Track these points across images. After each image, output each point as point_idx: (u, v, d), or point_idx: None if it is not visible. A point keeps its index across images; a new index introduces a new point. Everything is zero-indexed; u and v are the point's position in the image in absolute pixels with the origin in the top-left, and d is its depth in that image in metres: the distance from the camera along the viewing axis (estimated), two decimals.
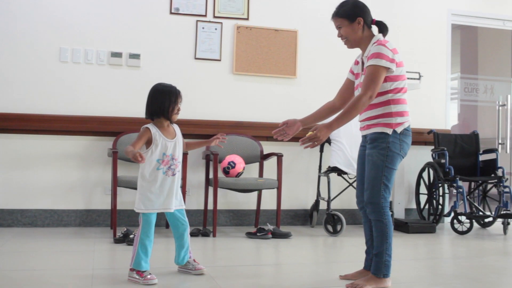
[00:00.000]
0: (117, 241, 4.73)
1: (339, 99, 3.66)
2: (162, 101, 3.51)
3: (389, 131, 3.30)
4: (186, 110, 5.73)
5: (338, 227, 5.46)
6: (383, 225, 3.32)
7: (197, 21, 5.87)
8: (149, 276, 3.35)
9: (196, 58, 5.87)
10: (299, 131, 3.55)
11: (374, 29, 3.48)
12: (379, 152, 3.30)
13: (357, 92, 3.47)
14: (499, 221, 6.09)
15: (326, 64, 6.23)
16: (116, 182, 5.02)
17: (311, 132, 3.22)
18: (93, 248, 4.46)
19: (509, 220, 5.93)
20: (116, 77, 5.65)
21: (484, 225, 6.30)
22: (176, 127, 3.64)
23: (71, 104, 5.52)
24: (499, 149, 6.91)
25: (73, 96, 5.54)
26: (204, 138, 5.67)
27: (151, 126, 3.52)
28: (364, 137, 3.48)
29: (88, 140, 5.55)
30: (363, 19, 3.41)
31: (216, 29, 5.91)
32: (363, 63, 3.45)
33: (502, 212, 5.79)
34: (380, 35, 3.41)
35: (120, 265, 3.93)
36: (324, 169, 5.88)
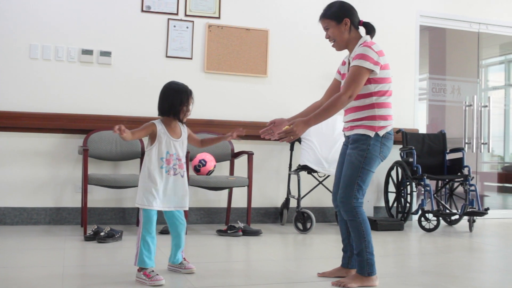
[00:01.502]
0: (88, 239, 4.72)
1: (326, 99, 3.64)
2: (174, 99, 3.48)
3: (371, 133, 3.32)
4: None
5: (308, 225, 5.52)
6: (357, 224, 3.33)
7: (169, 19, 5.87)
8: (156, 277, 3.29)
9: (167, 56, 5.88)
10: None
11: (362, 30, 3.50)
12: (358, 153, 3.33)
13: None
14: (465, 218, 6.21)
15: (296, 64, 6.29)
16: (86, 180, 5.00)
17: (288, 126, 3.24)
18: (63, 246, 4.44)
19: (475, 217, 6.05)
20: (87, 75, 5.63)
21: (451, 223, 6.42)
22: (183, 128, 3.60)
23: (41, 101, 5.48)
24: (466, 148, 7.04)
25: (43, 93, 5.50)
26: None
27: (157, 122, 3.49)
28: (347, 137, 3.50)
29: (59, 137, 5.52)
30: (350, 20, 3.43)
31: (187, 27, 5.93)
32: (349, 63, 3.46)
33: (468, 210, 5.90)
34: (368, 37, 3.43)
35: (90, 263, 3.94)
36: (294, 167, 5.94)
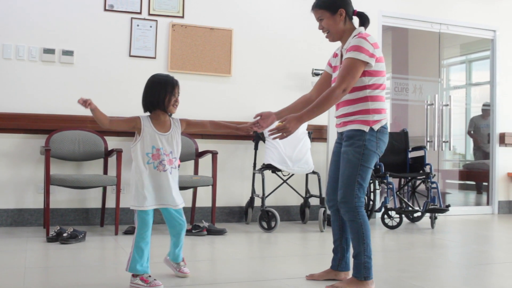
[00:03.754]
0: (50, 240, 4.66)
1: (315, 92, 3.50)
2: (158, 92, 3.33)
3: (366, 128, 3.19)
4: (121, 108, 5.71)
5: (273, 223, 5.54)
6: (358, 226, 3.21)
7: (132, 18, 5.84)
8: (154, 282, 3.21)
9: (131, 56, 5.84)
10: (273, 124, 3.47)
11: (355, 21, 3.39)
12: (355, 150, 3.19)
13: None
14: (427, 215, 6.29)
15: (261, 63, 6.31)
16: (48, 181, 4.94)
17: (281, 123, 3.16)
18: (25, 248, 4.38)
19: (436, 214, 6.14)
20: (48, 74, 5.56)
21: (413, 220, 6.51)
22: (175, 121, 3.48)
23: (2, 101, 5.39)
24: (427, 147, 7.15)
25: (3, 93, 5.41)
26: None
27: (143, 117, 3.36)
28: (340, 134, 3.38)
29: (20, 137, 5.44)
30: (345, 10, 3.29)
31: (151, 26, 5.90)
32: (341, 55, 3.34)
33: (430, 207, 6.00)
34: (362, 28, 3.30)
35: (53, 264, 3.90)
36: (258, 166, 5.96)
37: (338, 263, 3.50)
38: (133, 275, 3.25)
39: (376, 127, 3.22)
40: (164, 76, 3.44)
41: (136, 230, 3.27)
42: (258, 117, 3.44)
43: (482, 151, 8.12)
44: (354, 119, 3.23)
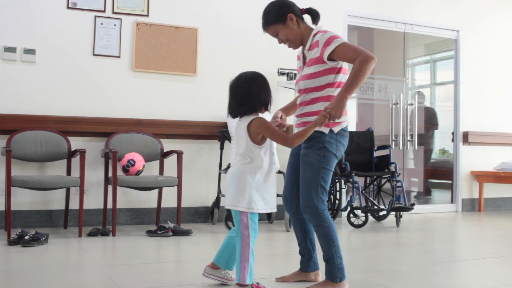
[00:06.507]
0: (11, 243, 4.56)
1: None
2: (269, 91, 3.08)
3: (326, 130, 3.13)
4: (85, 108, 5.64)
5: None
6: (325, 229, 3.15)
7: (96, 16, 5.75)
8: (262, 285, 3.10)
9: (94, 55, 5.75)
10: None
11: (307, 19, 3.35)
12: (315, 152, 3.13)
13: (297, 87, 3.31)
14: (393, 214, 6.36)
15: (226, 62, 6.27)
16: (9, 182, 4.84)
17: (323, 113, 2.99)
18: None
19: (402, 213, 6.20)
20: (9, 73, 5.44)
21: (379, 218, 6.56)
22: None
23: None
24: (393, 146, 7.21)
25: None
26: (103, 136, 5.61)
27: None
28: None
29: None
30: (293, 13, 3.25)
31: (115, 25, 5.82)
32: (304, 57, 3.32)
33: (395, 206, 6.04)
34: (319, 27, 3.26)
35: (14, 268, 3.81)
36: (224, 166, 5.92)
37: (307, 264, 3.48)
38: (242, 285, 2.99)
39: (336, 129, 3.17)
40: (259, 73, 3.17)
41: (251, 235, 3.03)
42: (278, 119, 3.32)
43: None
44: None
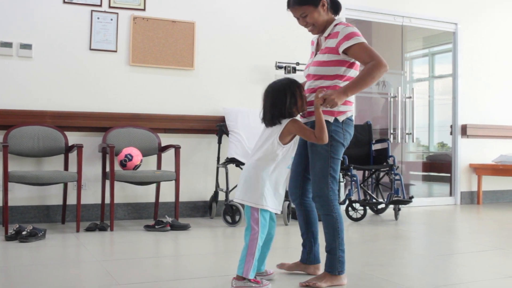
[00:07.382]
0: (9, 238, 4.55)
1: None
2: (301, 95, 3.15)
3: (331, 119, 3.14)
4: (82, 102, 5.62)
5: (237, 218, 5.52)
6: (333, 220, 3.18)
7: (92, 11, 5.73)
8: (265, 282, 3.08)
9: (91, 49, 5.73)
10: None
11: None
12: None
13: (306, 71, 3.32)
14: (391, 207, 6.35)
15: (223, 56, 6.25)
16: (7, 178, 4.82)
17: (322, 92, 3.04)
18: None
19: (400, 206, 6.19)
20: (6, 68, 5.42)
21: (377, 212, 6.56)
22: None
23: None
24: (391, 139, 7.20)
25: None
26: (100, 131, 5.60)
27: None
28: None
29: None
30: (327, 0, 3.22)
31: (112, 19, 5.80)
32: (318, 44, 3.31)
33: (393, 199, 6.03)
34: (339, 18, 3.27)
35: (12, 264, 3.80)
36: (222, 160, 5.91)
37: (307, 256, 3.47)
38: (240, 279, 3.07)
39: (341, 118, 3.18)
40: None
41: (260, 232, 3.07)
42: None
43: None
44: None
